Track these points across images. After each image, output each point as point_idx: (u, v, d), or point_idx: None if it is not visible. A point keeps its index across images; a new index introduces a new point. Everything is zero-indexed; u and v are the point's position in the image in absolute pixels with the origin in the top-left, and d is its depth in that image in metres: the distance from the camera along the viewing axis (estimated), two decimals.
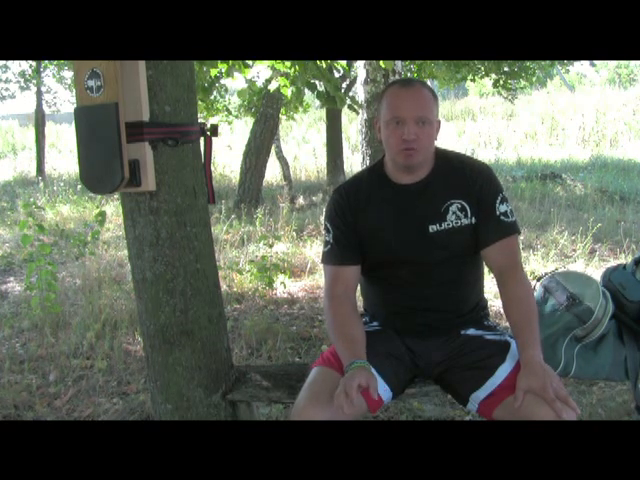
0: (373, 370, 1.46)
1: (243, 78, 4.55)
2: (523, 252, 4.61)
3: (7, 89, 11.51)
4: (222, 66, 4.52)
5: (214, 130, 1.79)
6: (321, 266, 1.78)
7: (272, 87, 4.52)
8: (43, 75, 11.60)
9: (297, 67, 4.28)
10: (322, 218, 5.28)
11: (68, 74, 11.78)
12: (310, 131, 16.77)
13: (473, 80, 9.60)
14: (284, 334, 3.30)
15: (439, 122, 1.63)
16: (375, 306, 1.77)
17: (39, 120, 11.56)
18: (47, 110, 12.30)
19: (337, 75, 7.40)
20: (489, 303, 1.83)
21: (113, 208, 7.06)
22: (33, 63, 10.87)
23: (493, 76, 9.24)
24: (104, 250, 5.26)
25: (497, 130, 15.74)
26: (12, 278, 4.79)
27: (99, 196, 7.46)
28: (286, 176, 9.88)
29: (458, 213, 1.61)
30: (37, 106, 11.63)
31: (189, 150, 1.73)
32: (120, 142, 1.55)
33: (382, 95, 1.64)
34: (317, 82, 5.00)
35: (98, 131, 1.59)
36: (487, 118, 17.06)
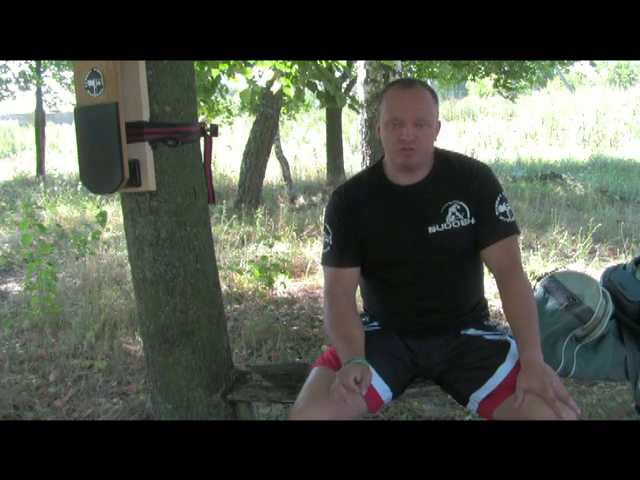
0: (373, 370, 1.46)
1: (244, 79, 4.54)
2: (523, 252, 4.61)
3: (7, 89, 11.50)
4: (223, 67, 4.52)
5: (214, 130, 1.79)
6: (321, 266, 1.78)
7: (274, 89, 4.52)
8: (43, 75, 11.60)
9: (297, 67, 4.28)
10: (322, 218, 5.28)
11: (68, 74, 11.79)
12: (310, 131, 16.76)
13: (473, 80, 9.61)
14: (284, 334, 3.30)
15: (439, 123, 1.62)
16: (375, 306, 1.77)
17: (39, 120, 11.54)
18: (47, 110, 12.29)
19: (337, 75, 7.40)
20: (489, 303, 1.83)
21: (113, 208, 7.05)
22: (33, 63, 10.87)
23: (493, 76, 9.24)
24: (104, 250, 5.26)
25: (497, 130, 15.73)
26: (12, 278, 4.78)
27: (99, 196, 7.45)
28: (286, 176, 9.88)
29: (457, 214, 1.61)
30: (37, 106, 11.62)
31: (189, 150, 1.73)
32: (120, 142, 1.55)
33: (382, 95, 1.63)
34: (317, 82, 4.99)
35: (98, 131, 1.59)
36: (487, 118, 17.05)
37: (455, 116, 17.84)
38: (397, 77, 4.37)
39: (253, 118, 8.44)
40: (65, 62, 10.48)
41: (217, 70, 4.69)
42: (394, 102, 1.57)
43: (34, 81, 11.17)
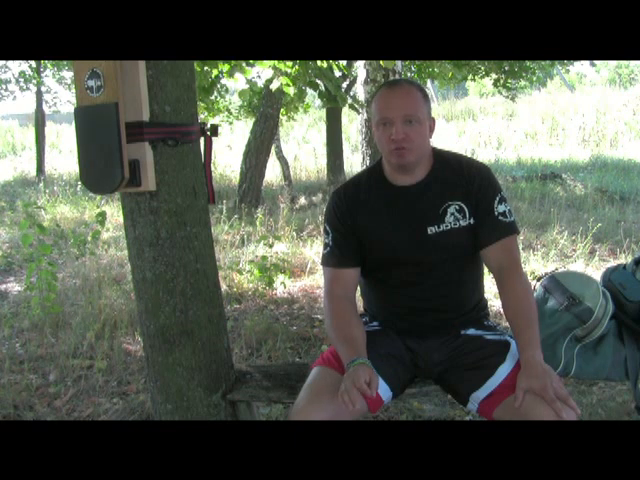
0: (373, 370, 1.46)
1: (244, 78, 4.54)
2: (523, 252, 4.61)
3: (7, 89, 11.49)
4: (223, 67, 4.52)
5: (214, 130, 1.79)
6: (321, 266, 1.78)
7: (274, 86, 4.52)
8: (43, 75, 11.60)
9: (298, 67, 4.28)
10: (322, 218, 5.28)
11: (68, 74, 11.79)
12: (310, 131, 16.77)
13: (473, 80, 9.61)
14: (284, 334, 3.30)
15: (433, 120, 1.62)
16: (375, 306, 1.77)
17: (39, 120, 11.54)
18: (47, 110, 12.29)
19: (338, 74, 7.40)
20: (489, 303, 1.83)
21: (113, 208, 7.05)
22: (33, 63, 10.87)
23: (493, 76, 9.25)
24: (104, 250, 5.26)
25: (497, 130, 15.73)
26: (12, 278, 4.78)
27: (99, 196, 7.46)
28: (286, 176, 9.89)
29: (456, 214, 1.61)
30: (37, 106, 11.62)
31: (189, 150, 1.73)
32: (120, 142, 1.55)
33: (373, 98, 1.64)
34: (318, 81, 4.99)
35: (98, 131, 1.59)
36: (487, 118, 17.05)
37: (455, 116, 17.84)
38: (397, 77, 4.38)
39: (253, 118, 8.45)
40: (65, 62, 10.47)
41: (217, 70, 4.69)
42: (382, 102, 1.58)
43: (34, 81, 11.16)
